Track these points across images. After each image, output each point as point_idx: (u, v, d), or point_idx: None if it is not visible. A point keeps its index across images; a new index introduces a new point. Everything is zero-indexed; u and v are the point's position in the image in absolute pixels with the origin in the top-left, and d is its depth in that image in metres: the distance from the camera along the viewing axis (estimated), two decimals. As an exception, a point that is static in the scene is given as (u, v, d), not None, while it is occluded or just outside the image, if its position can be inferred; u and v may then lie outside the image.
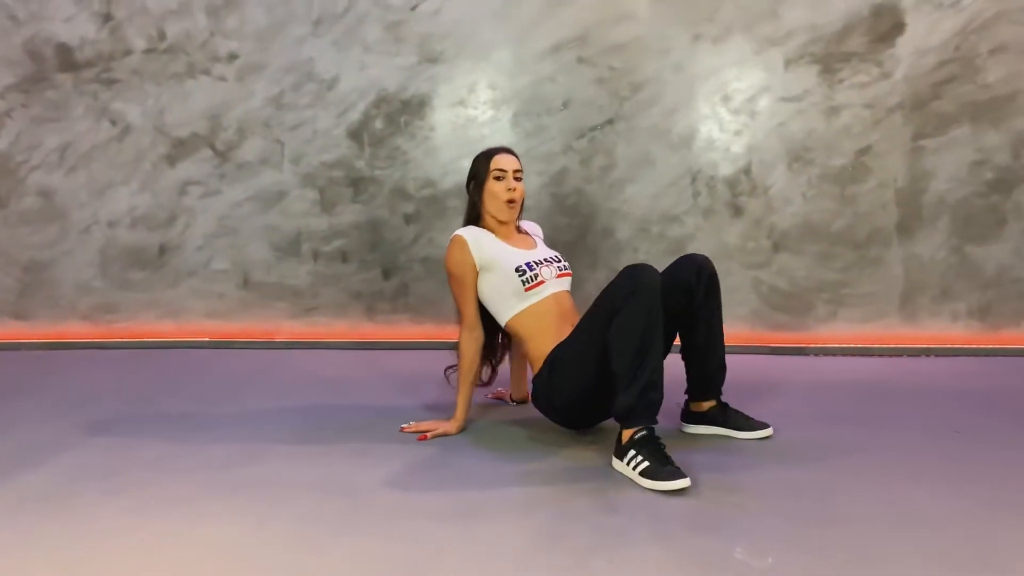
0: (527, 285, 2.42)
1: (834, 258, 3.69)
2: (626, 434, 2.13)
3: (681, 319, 2.40)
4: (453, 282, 2.50)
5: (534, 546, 1.71)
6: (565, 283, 2.55)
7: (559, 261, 2.56)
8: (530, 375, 2.59)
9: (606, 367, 2.17)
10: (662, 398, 2.14)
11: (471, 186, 2.58)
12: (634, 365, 2.09)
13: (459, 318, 2.53)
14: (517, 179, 2.54)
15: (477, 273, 2.47)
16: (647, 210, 3.74)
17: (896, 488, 2.02)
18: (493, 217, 2.55)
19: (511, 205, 2.52)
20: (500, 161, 2.53)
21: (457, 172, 3.76)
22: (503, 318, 2.48)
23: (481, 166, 2.55)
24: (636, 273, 2.14)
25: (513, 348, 2.79)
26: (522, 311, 2.44)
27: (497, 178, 2.52)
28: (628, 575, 1.58)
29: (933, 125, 3.60)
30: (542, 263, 2.48)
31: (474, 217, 2.58)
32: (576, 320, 2.44)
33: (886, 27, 3.58)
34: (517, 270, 2.43)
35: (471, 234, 2.48)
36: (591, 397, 2.29)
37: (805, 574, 1.58)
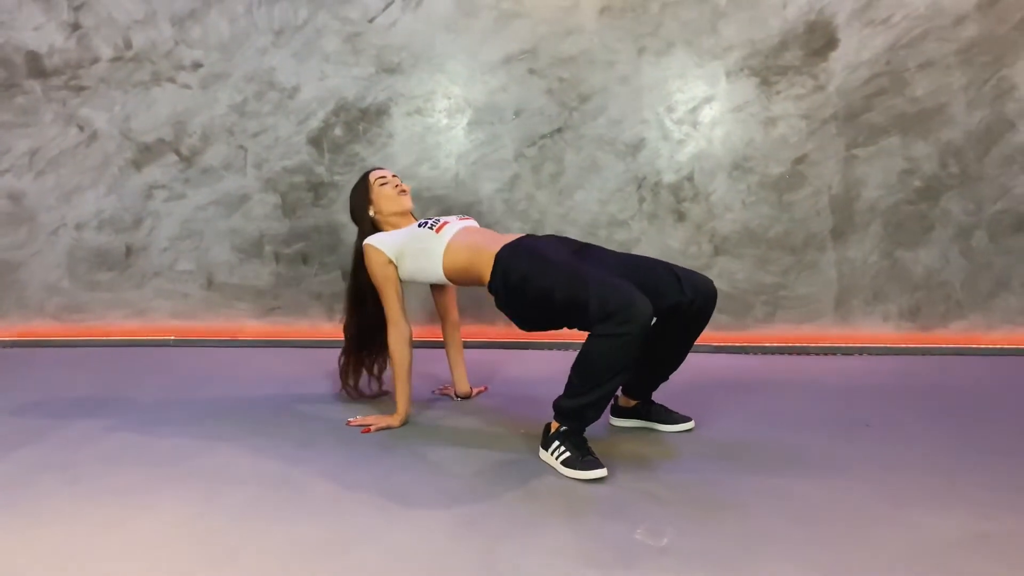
0: (435, 227, 2.59)
1: (772, 262, 3.87)
2: (553, 425, 2.29)
3: (656, 327, 2.34)
4: (378, 285, 2.68)
5: (453, 530, 1.87)
6: (471, 222, 2.72)
7: (457, 216, 2.76)
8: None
9: (564, 309, 2.21)
10: (598, 419, 2.26)
11: (359, 208, 2.82)
12: (587, 385, 2.17)
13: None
14: (397, 179, 2.82)
15: (395, 267, 2.65)
16: (595, 215, 3.91)
17: (796, 478, 2.19)
18: (393, 214, 2.78)
19: (402, 191, 2.78)
20: (377, 173, 2.83)
21: (414, 179, 3.91)
22: (436, 271, 2.58)
23: (361, 187, 2.83)
24: (636, 309, 2.08)
25: (448, 344, 2.96)
26: (445, 250, 2.55)
27: (382, 184, 2.79)
28: (536, 555, 1.74)
29: (865, 135, 3.79)
30: (440, 218, 2.68)
31: (375, 231, 2.80)
32: (502, 238, 2.50)
33: (820, 43, 3.76)
34: (420, 225, 2.64)
35: (376, 239, 2.69)
36: (553, 312, 2.29)
37: (695, 553, 1.75)
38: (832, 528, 1.87)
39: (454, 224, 2.63)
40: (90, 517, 1.95)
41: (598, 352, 2.13)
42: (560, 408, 2.27)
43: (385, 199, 2.77)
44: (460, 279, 2.58)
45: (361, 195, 2.82)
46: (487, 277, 2.43)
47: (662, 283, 2.31)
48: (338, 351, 3.84)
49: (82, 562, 1.72)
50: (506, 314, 2.45)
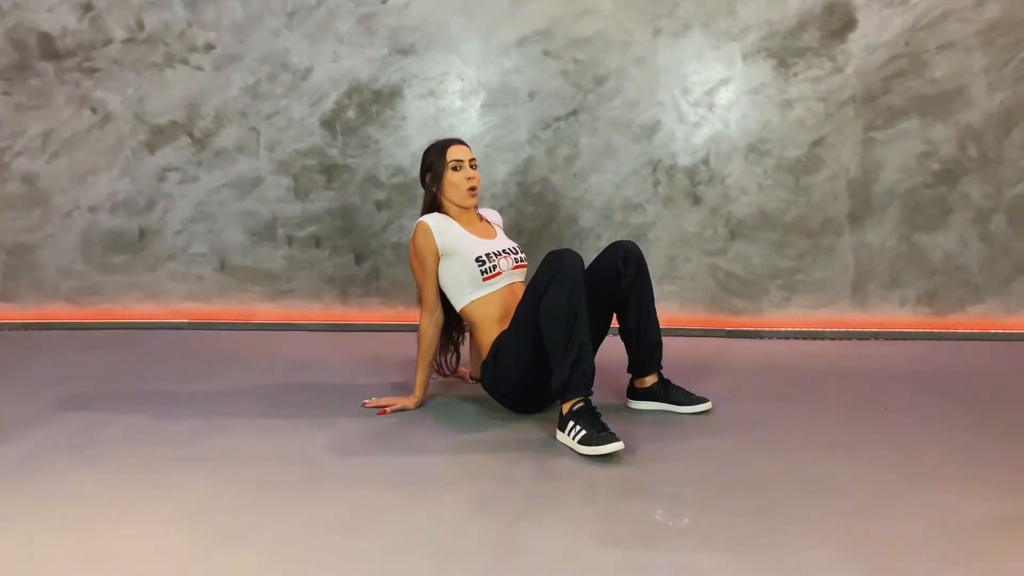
0: (485, 276, 2.55)
1: (788, 246, 3.84)
2: (565, 407, 2.29)
3: (614, 302, 2.56)
4: (417, 267, 2.63)
5: (471, 510, 1.87)
6: (520, 274, 2.69)
7: (516, 253, 2.70)
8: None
9: (542, 349, 2.32)
10: (594, 369, 2.29)
11: (427, 178, 2.70)
12: (563, 342, 2.24)
13: (418, 300, 2.68)
14: (473, 167, 2.68)
15: (439, 259, 2.60)
16: (609, 198, 3.88)
17: (815, 458, 2.18)
18: (455, 204, 2.67)
19: (472, 192, 2.67)
20: (455, 152, 2.66)
21: (427, 161, 3.89)
22: (459, 304, 2.61)
23: (436, 158, 2.67)
24: (557, 257, 2.31)
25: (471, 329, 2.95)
26: (477, 299, 2.57)
27: (455, 168, 2.64)
28: (555, 534, 1.73)
29: (883, 118, 3.74)
30: (500, 254, 2.62)
31: (434, 207, 2.70)
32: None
33: (838, 23, 3.71)
34: (477, 260, 2.56)
35: (435, 221, 2.61)
36: (532, 380, 2.44)
37: (716, 533, 1.74)
38: (853, 508, 1.86)
39: (505, 277, 2.60)
40: (107, 497, 1.95)
41: (547, 307, 2.27)
42: (558, 386, 2.28)
43: (452, 187, 2.64)
44: (467, 323, 2.69)
45: (434, 166, 2.67)
46: (485, 352, 2.57)
47: (599, 271, 2.53)
48: (350, 334, 3.88)
49: (99, 542, 1.72)
50: (492, 389, 2.59)
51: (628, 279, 2.52)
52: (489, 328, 2.56)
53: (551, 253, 2.34)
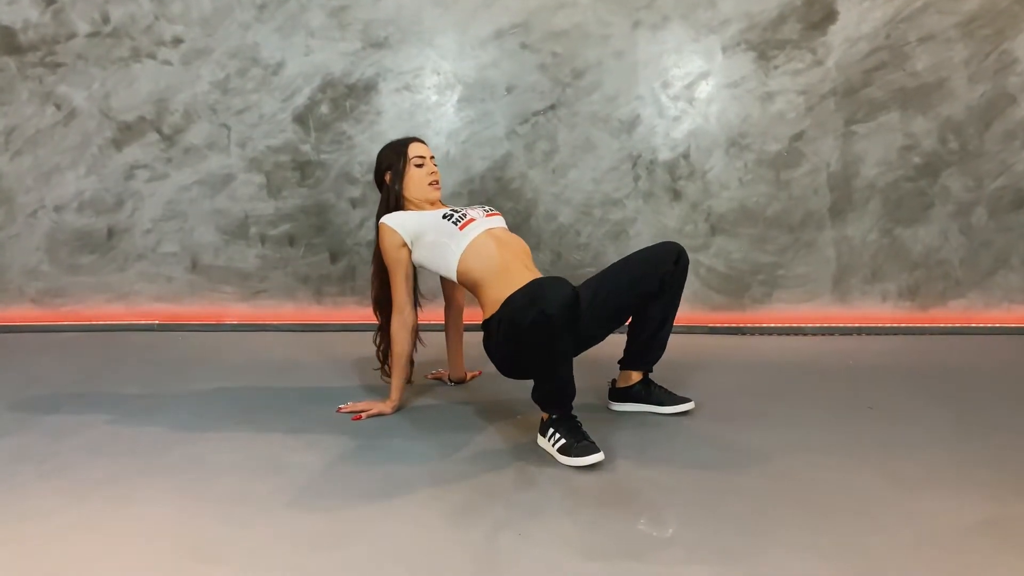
0: (459, 224, 2.46)
1: (769, 241, 3.80)
2: (545, 415, 2.23)
3: (646, 297, 2.44)
4: (388, 267, 2.57)
5: (451, 521, 1.81)
6: (498, 221, 2.58)
7: (482, 206, 2.63)
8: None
9: (524, 356, 2.21)
10: (574, 393, 2.21)
11: (387, 178, 2.65)
12: (543, 375, 2.18)
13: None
14: (434, 164, 2.67)
15: (409, 252, 2.54)
16: (589, 194, 3.83)
17: (799, 462, 2.14)
18: (422, 200, 2.63)
19: (435, 185, 2.64)
20: (416, 149, 2.64)
21: (403, 157, 3.80)
22: (451, 267, 2.46)
23: (395, 158, 2.64)
24: (541, 292, 2.08)
25: (449, 327, 2.87)
26: (465, 252, 2.42)
27: (418, 165, 2.62)
28: (536, 547, 1.68)
29: (864, 111, 3.71)
30: (465, 207, 2.57)
31: (396, 206, 2.65)
32: (519, 275, 2.36)
33: (819, 16, 3.67)
34: (444, 217, 2.50)
35: (394, 219, 2.56)
36: (517, 370, 2.34)
37: (701, 543, 1.69)
38: (840, 514, 1.81)
39: (479, 223, 2.49)
40: (73, 510, 1.87)
41: (528, 343, 2.12)
42: (537, 398, 2.23)
43: (414, 183, 2.60)
44: (467, 287, 2.50)
45: (393, 164, 2.63)
46: (487, 312, 2.37)
47: (648, 263, 2.42)
48: (325, 335, 3.80)
49: (64, 558, 1.64)
50: (492, 354, 2.38)
51: (673, 278, 2.43)
52: (489, 287, 2.37)
53: (535, 284, 2.14)
